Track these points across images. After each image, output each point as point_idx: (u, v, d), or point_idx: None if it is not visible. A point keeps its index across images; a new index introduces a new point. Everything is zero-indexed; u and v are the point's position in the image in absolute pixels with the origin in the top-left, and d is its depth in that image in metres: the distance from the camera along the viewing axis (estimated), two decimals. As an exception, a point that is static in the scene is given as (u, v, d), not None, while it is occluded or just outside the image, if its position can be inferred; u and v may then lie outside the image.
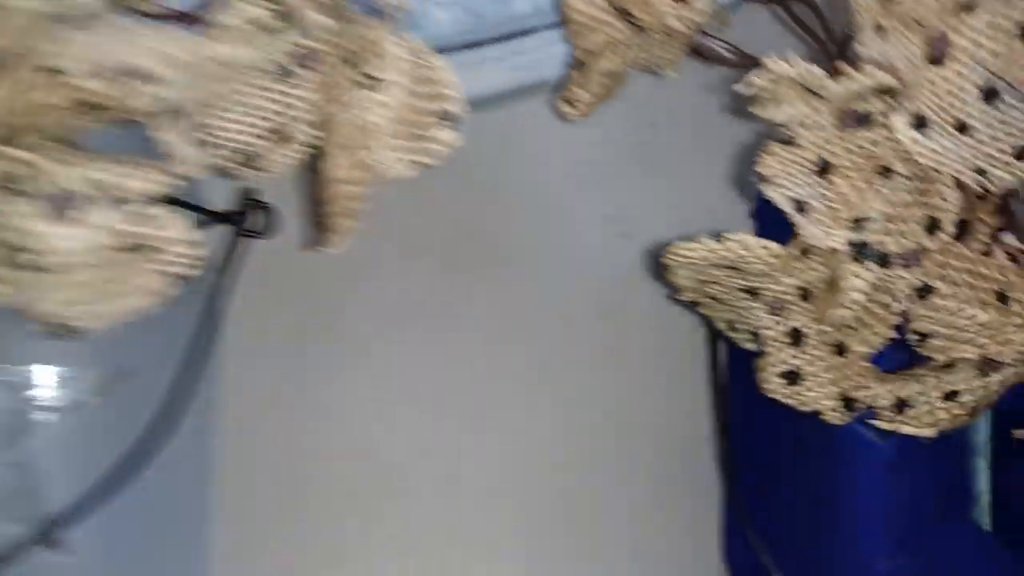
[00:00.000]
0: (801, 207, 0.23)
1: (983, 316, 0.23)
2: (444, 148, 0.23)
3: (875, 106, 0.23)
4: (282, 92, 0.24)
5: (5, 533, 0.23)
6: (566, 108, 0.31)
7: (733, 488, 0.35)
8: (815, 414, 0.27)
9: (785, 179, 0.23)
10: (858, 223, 0.23)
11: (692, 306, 0.30)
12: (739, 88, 0.22)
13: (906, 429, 0.25)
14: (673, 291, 0.29)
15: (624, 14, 0.27)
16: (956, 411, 0.25)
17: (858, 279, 0.23)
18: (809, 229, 0.23)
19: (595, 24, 0.28)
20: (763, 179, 0.23)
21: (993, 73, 0.22)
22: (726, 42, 0.28)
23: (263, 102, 0.24)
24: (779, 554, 0.33)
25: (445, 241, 0.36)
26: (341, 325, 0.35)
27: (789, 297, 0.26)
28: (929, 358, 0.24)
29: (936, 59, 0.23)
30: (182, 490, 0.30)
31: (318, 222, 0.25)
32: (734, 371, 0.33)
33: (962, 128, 0.22)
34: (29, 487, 0.22)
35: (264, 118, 0.24)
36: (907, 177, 0.23)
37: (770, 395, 0.28)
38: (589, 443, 0.36)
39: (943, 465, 0.31)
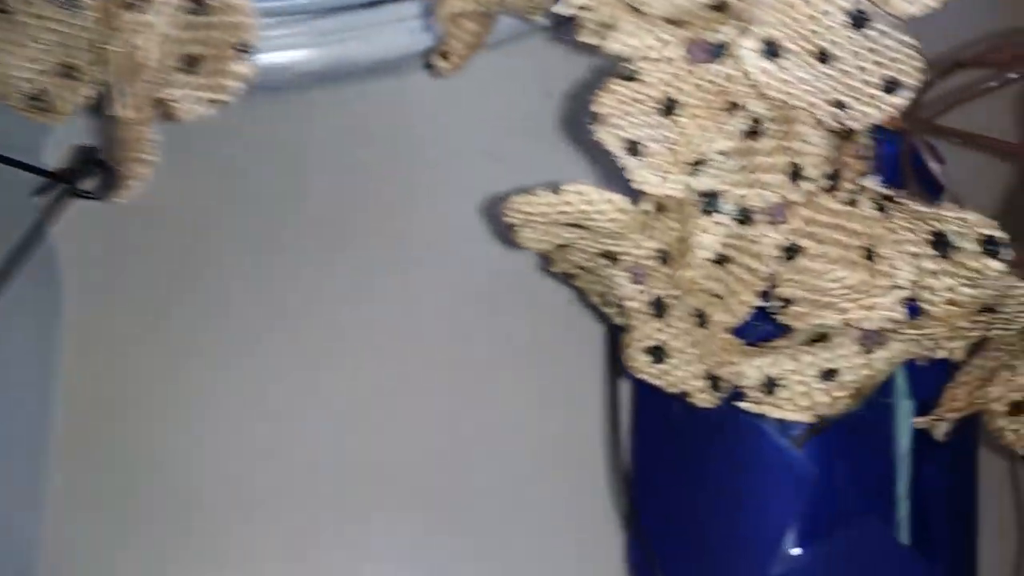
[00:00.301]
0: (635, 149, 0.20)
1: (851, 278, 0.20)
2: (239, 83, 0.21)
3: (728, 35, 0.20)
4: (62, 21, 0.21)
5: None
6: (440, 62, 0.28)
7: (630, 490, 0.31)
8: (684, 396, 0.24)
9: (622, 119, 0.20)
10: (698, 166, 0.20)
11: (567, 281, 0.27)
12: (558, 8, 0.19)
13: (777, 413, 0.22)
14: (544, 263, 0.27)
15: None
16: (836, 393, 0.22)
17: (707, 235, 0.20)
18: (640, 173, 0.20)
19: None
20: (596, 119, 0.20)
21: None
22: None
23: (44, 33, 0.22)
24: (679, 553, 0.30)
25: (306, 226, 0.33)
26: (185, 322, 0.32)
27: (650, 262, 0.23)
28: (790, 328, 0.21)
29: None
30: (15, 488, 0.28)
31: (115, 165, 0.22)
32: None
33: (823, 57, 0.19)
34: None
35: (49, 51, 0.22)
36: (762, 119, 0.20)
37: (637, 374, 0.25)
38: (462, 446, 0.33)
39: (863, 470, 0.28)
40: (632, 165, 0.20)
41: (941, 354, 0.22)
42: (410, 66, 0.33)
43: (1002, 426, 0.23)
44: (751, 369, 0.22)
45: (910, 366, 0.24)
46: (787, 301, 0.21)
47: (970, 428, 0.27)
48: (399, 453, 0.33)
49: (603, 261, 0.24)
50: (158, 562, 0.31)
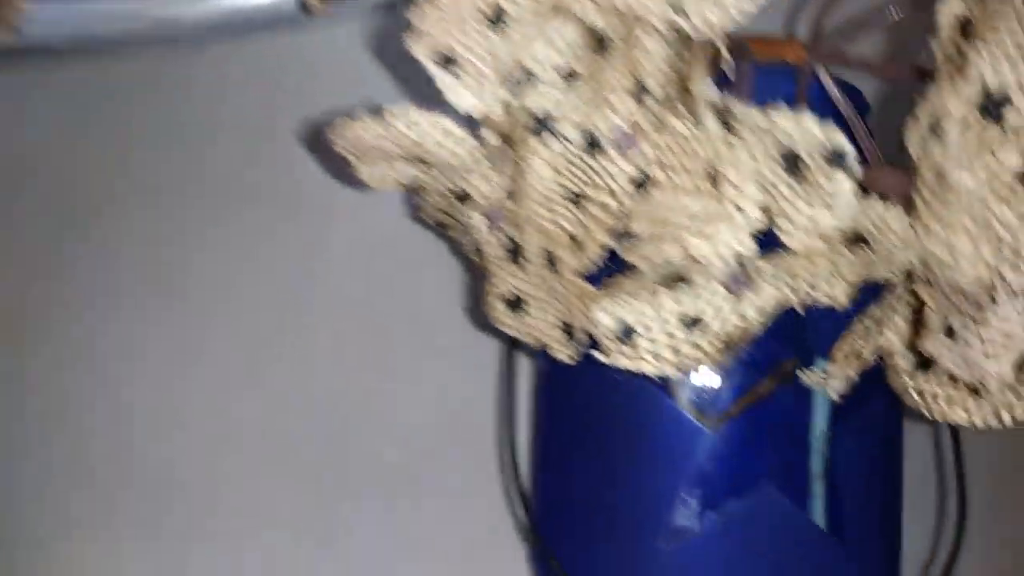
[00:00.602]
0: (449, 61, 0.17)
1: (694, 205, 0.17)
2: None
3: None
4: None
5: None
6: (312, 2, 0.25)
7: (535, 477, 0.29)
8: (544, 351, 0.21)
9: (441, 32, 0.17)
10: (522, 83, 0.17)
11: (441, 233, 0.25)
12: None
13: (635, 365, 0.19)
14: (413, 210, 0.24)
15: None
16: (702, 343, 0.19)
17: (537, 159, 0.18)
18: (452, 87, 0.17)
19: None
20: (412, 32, 0.18)
21: None
22: None
23: None
24: (584, 545, 0.27)
25: (196, 183, 0.31)
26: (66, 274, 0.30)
27: (503, 201, 0.21)
28: (630, 269, 0.18)
29: None
30: None
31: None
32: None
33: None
34: None
35: None
36: (603, 34, 0.17)
37: (498, 325, 0.22)
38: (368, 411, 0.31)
39: (774, 449, 0.25)
40: (443, 79, 0.17)
41: (824, 301, 0.19)
42: (292, 20, 0.31)
43: (904, 383, 0.21)
44: (604, 316, 0.19)
45: (822, 328, 0.22)
46: (634, 236, 0.18)
47: (895, 410, 0.25)
48: (293, 419, 0.31)
49: (454, 203, 0.21)
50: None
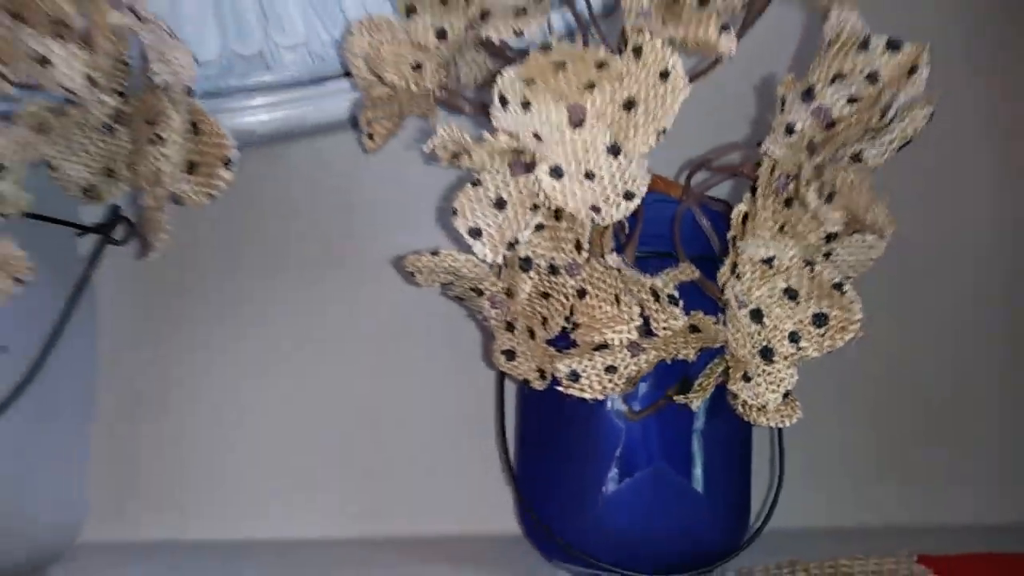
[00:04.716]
0: (477, 233, 0.31)
1: (611, 310, 0.31)
2: (226, 183, 0.32)
3: (531, 157, 0.32)
4: (106, 143, 0.32)
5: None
6: (367, 141, 0.39)
7: (516, 459, 0.43)
8: (526, 381, 0.36)
9: (470, 212, 0.31)
10: (512, 244, 0.31)
11: (459, 302, 0.39)
12: (425, 148, 0.31)
13: (579, 394, 0.34)
14: (442, 289, 0.38)
15: (380, 79, 0.35)
16: (616, 380, 0.34)
17: (525, 283, 0.32)
18: (481, 249, 0.31)
19: (372, 84, 0.37)
20: (455, 212, 0.32)
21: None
22: (465, 97, 0.37)
23: (95, 149, 0.33)
24: (549, 501, 0.42)
25: (270, 257, 0.45)
26: (185, 329, 0.45)
27: (501, 295, 0.35)
28: (576, 342, 0.33)
29: (576, 122, 0.31)
30: (65, 422, 0.39)
31: (142, 239, 0.34)
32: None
33: (590, 176, 0.31)
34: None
35: (96, 161, 0.33)
36: (558, 214, 0.31)
37: (499, 368, 0.36)
38: (407, 417, 0.46)
39: (670, 438, 0.40)
40: (476, 247, 0.31)
41: (682, 357, 0.34)
42: (346, 127, 0.44)
43: (732, 402, 0.35)
44: (562, 366, 0.33)
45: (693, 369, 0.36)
46: (576, 325, 0.32)
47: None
48: (341, 422, 0.45)
49: (472, 294, 0.36)
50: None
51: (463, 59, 0.39)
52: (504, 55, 0.36)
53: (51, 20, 0.25)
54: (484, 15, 0.35)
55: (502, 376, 0.43)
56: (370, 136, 0.39)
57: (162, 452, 0.44)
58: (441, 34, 0.36)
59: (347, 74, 0.46)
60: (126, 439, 0.43)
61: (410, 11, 0.37)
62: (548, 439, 0.42)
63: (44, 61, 0.27)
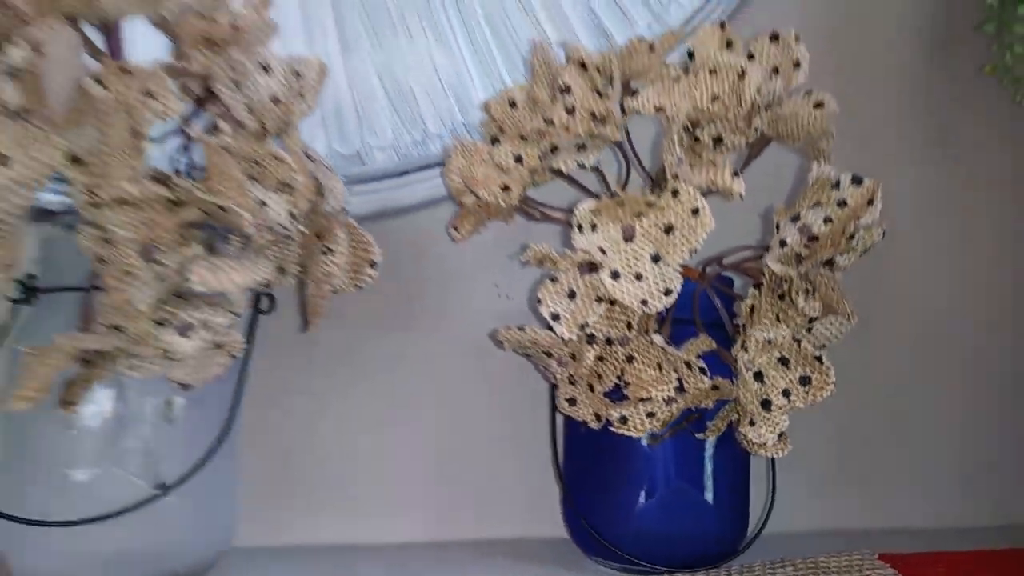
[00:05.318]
0: (556, 317, 0.43)
1: (654, 374, 0.43)
2: (371, 277, 0.44)
3: (599, 260, 0.43)
4: (280, 250, 0.44)
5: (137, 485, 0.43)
6: (455, 233, 0.51)
7: (563, 475, 0.55)
8: (586, 423, 0.48)
9: (550, 301, 0.43)
10: (583, 326, 0.43)
11: (528, 357, 0.51)
12: (521, 259, 0.43)
13: (627, 432, 0.46)
14: (517, 350, 0.50)
15: (475, 193, 0.47)
16: (655, 424, 0.45)
17: (589, 352, 0.44)
18: (560, 329, 0.43)
19: (464, 193, 0.49)
20: (539, 302, 0.43)
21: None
22: (544, 205, 0.48)
23: (273, 255, 0.44)
24: (591, 509, 0.53)
25: (378, 319, 0.57)
26: (320, 365, 0.56)
27: (567, 358, 0.47)
28: (627, 396, 0.45)
29: (628, 238, 0.43)
30: (222, 463, 0.51)
31: (305, 317, 0.45)
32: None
33: (639, 277, 0.43)
34: (151, 458, 0.43)
35: (272, 263, 0.45)
36: (612, 302, 0.43)
37: (562, 412, 0.48)
38: (475, 443, 0.58)
39: (688, 461, 0.52)
40: (556, 327, 0.43)
41: (703, 405, 0.46)
42: (441, 205, 0.56)
43: (743, 435, 0.47)
44: (615, 412, 0.45)
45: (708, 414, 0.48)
46: (627, 383, 0.44)
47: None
48: (430, 448, 0.57)
49: (543, 355, 0.47)
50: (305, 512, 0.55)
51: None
52: (567, 177, 0.48)
53: (278, 181, 0.37)
54: (554, 149, 0.47)
55: (553, 414, 0.55)
56: (456, 228, 0.51)
57: (294, 473, 0.55)
58: (518, 159, 0.48)
59: (425, 167, 0.58)
60: (267, 464, 0.55)
61: (495, 140, 0.49)
62: (591, 463, 0.54)
63: (263, 204, 0.38)
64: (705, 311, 0.48)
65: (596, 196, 0.48)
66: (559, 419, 0.56)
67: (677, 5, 0.61)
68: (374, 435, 0.57)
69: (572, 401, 0.47)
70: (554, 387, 0.48)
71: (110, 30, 0.37)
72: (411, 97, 0.59)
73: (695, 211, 0.41)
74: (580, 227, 0.42)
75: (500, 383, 0.58)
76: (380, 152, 0.59)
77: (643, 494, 0.51)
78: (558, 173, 0.48)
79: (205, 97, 0.40)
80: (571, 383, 0.47)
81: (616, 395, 0.46)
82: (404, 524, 0.58)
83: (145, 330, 0.36)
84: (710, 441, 0.51)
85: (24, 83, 0.33)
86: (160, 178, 0.35)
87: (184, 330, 0.37)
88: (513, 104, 0.49)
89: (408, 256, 0.58)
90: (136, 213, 0.34)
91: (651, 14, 0.61)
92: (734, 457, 0.53)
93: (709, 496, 0.52)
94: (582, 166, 0.46)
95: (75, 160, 0.35)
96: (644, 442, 0.51)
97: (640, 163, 0.48)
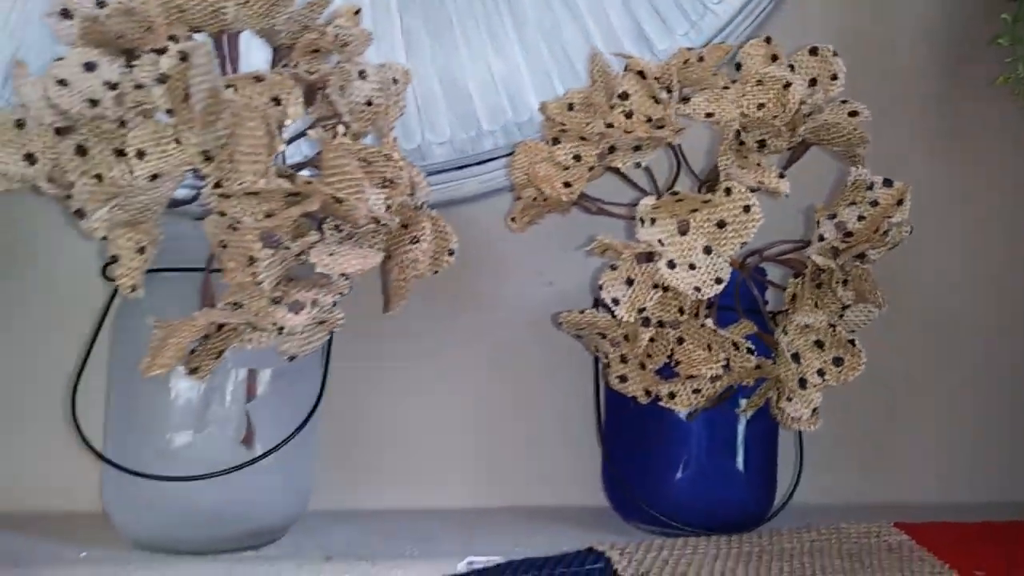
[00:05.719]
0: (616, 301, 0.48)
1: (703, 354, 0.48)
2: (449, 263, 0.48)
3: (658, 251, 0.48)
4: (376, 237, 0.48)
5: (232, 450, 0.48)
6: (512, 224, 0.56)
7: (605, 446, 0.60)
8: (635, 399, 0.52)
9: (611, 287, 0.48)
10: (641, 310, 0.48)
11: (578, 339, 0.56)
12: (586, 249, 0.47)
13: (674, 407, 0.50)
14: (568, 330, 0.55)
15: (538, 189, 0.52)
16: (700, 399, 0.50)
17: (644, 333, 0.49)
18: (620, 312, 0.48)
19: (525, 187, 0.53)
20: (600, 287, 0.48)
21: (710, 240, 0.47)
22: (600, 201, 0.53)
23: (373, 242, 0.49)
24: (632, 477, 0.58)
25: (434, 301, 0.62)
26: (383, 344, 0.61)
27: (620, 339, 0.51)
28: (677, 372, 0.50)
29: (683, 231, 0.47)
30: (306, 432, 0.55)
31: (387, 299, 0.50)
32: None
33: (692, 267, 0.47)
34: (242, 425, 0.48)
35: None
36: (666, 288, 0.48)
37: (612, 388, 0.53)
38: (521, 417, 0.62)
39: (723, 433, 0.57)
40: (617, 310, 0.48)
41: (744, 382, 0.50)
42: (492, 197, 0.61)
43: (781, 409, 0.52)
44: (664, 389, 0.50)
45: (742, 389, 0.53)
46: (678, 362, 0.49)
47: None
48: (482, 420, 0.62)
49: (596, 336, 0.52)
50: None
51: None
52: (623, 175, 0.53)
53: (383, 178, 0.41)
54: (612, 149, 0.51)
55: (598, 390, 0.60)
56: (513, 220, 0.55)
57: (364, 445, 0.60)
58: (577, 158, 0.52)
59: (480, 163, 0.62)
60: (339, 436, 0.59)
61: (555, 141, 0.53)
62: (633, 435, 0.59)
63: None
64: (744, 298, 0.53)
65: (644, 192, 0.53)
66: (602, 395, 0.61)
67: (712, 15, 0.66)
68: (429, 408, 0.62)
69: (623, 378, 0.52)
70: (606, 366, 0.53)
71: (229, 41, 0.42)
72: (467, 96, 0.64)
73: (746, 208, 0.45)
74: (643, 221, 0.47)
75: (546, 361, 0.63)
76: (439, 147, 0.63)
77: (681, 464, 0.56)
78: (614, 171, 0.52)
79: (306, 101, 0.44)
80: (622, 361, 0.52)
81: (664, 372, 0.51)
82: (456, 490, 0.63)
83: (263, 307, 0.40)
84: (743, 417, 0.56)
85: (170, 88, 0.37)
86: (285, 174, 0.39)
87: (296, 307, 0.41)
88: (571, 107, 0.54)
89: (461, 243, 0.63)
90: (260, 204, 0.39)
91: (688, 23, 0.66)
92: (764, 432, 0.58)
93: (741, 466, 0.57)
94: (637, 165, 0.51)
95: (206, 156, 0.39)
96: (682, 416, 0.56)
97: (688, 164, 0.52)
